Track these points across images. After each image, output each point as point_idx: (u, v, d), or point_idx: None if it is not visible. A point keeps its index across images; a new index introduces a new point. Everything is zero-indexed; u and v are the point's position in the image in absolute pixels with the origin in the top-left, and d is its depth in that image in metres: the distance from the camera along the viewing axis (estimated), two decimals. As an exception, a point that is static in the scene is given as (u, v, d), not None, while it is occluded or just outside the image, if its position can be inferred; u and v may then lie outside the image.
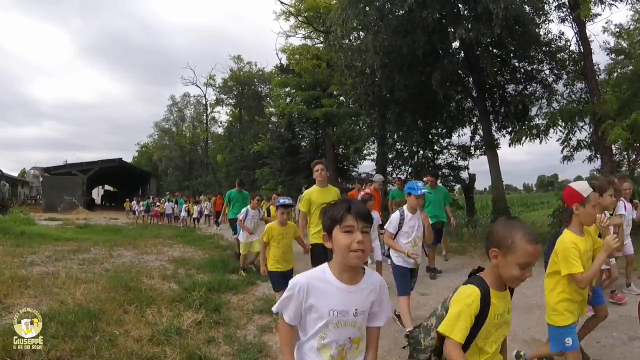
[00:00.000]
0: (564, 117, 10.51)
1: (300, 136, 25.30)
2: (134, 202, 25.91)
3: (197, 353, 3.27)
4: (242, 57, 38.83)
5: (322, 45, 22.74)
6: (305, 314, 1.61)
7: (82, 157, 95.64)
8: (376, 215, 6.06)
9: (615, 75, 11.07)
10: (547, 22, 11.52)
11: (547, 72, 12.22)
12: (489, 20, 9.10)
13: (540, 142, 10.80)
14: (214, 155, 42.11)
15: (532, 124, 11.70)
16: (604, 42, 12.04)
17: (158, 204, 23.76)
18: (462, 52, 12.02)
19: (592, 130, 10.64)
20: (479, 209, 17.96)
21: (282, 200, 4.61)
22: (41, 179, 39.24)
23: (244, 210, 7.43)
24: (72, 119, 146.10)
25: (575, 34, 10.82)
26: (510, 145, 11.50)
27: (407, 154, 16.59)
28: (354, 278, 1.61)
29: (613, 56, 12.56)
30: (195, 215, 19.72)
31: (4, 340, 3.18)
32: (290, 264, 4.54)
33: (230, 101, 40.77)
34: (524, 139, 11.07)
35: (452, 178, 15.75)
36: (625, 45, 12.48)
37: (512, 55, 12.02)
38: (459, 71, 12.12)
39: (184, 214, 19.74)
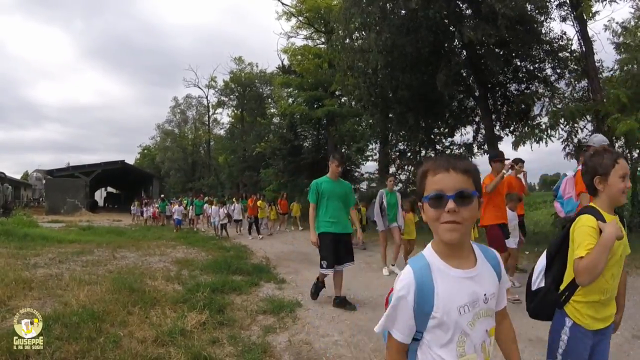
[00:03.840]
0: (566, 116, 10.45)
1: (302, 136, 25.25)
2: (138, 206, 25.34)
3: (201, 354, 3.26)
4: (242, 58, 38.94)
5: (323, 46, 22.75)
6: None
7: (84, 159, 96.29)
8: None
9: (618, 73, 10.99)
10: (548, 21, 11.50)
11: (549, 70, 12.19)
12: (494, 19, 9.07)
13: (546, 143, 10.67)
14: (216, 157, 42.19)
15: (534, 123, 11.64)
16: (610, 36, 12.00)
17: (155, 205, 23.28)
18: (465, 51, 11.99)
19: (593, 127, 10.59)
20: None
21: None
22: (44, 182, 39.32)
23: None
24: (75, 121, 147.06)
25: (577, 32, 10.78)
26: (513, 148, 11.46)
27: (409, 154, 16.56)
28: None
29: (620, 51, 12.51)
30: (224, 220, 15.12)
31: (8, 342, 3.18)
32: None
33: (232, 103, 40.83)
34: (527, 141, 10.92)
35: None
36: (628, 41, 12.39)
37: (514, 54, 11.98)
38: (461, 70, 12.09)
39: (215, 218, 15.27)
